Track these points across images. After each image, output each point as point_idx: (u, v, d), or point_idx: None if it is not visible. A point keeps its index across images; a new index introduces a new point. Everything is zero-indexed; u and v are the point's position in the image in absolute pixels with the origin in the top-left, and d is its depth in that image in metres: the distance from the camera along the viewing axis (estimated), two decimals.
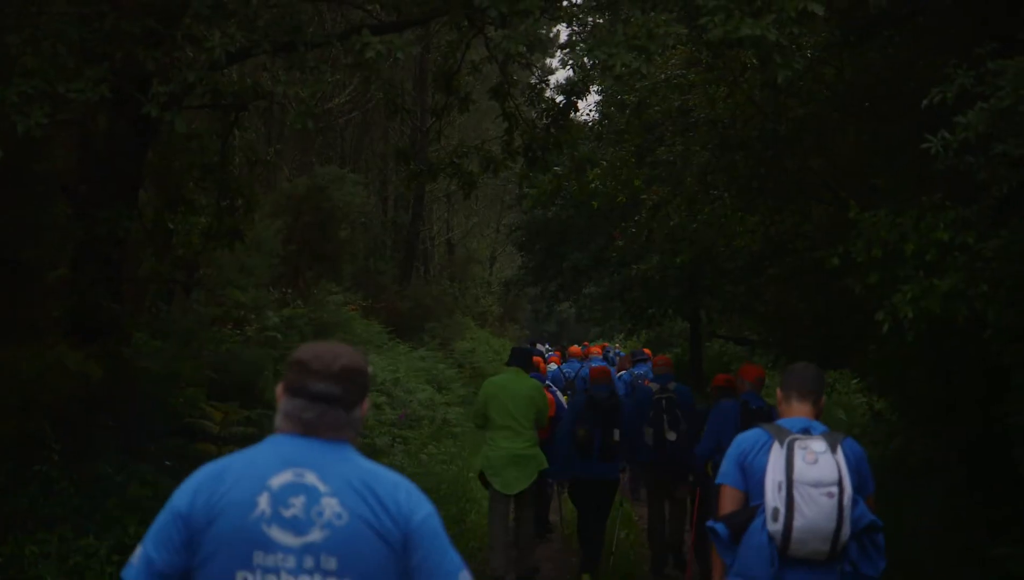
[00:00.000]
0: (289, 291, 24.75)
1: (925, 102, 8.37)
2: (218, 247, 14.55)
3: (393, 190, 43.76)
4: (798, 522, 6.01)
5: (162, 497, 11.30)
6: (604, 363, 19.38)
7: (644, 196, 17.55)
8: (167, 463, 12.64)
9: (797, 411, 6.46)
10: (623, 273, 29.76)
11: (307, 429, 3.85)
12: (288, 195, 28.88)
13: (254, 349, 18.13)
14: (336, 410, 3.85)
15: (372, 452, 16.65)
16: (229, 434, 14.17)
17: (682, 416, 13.20)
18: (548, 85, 16.16)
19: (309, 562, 3.65)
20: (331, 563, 3.66)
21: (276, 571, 3.65)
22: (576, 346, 30.46)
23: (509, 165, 14.69)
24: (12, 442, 10.81)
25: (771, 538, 6.12)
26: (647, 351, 23.97)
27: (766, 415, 10.21)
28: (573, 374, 22.50)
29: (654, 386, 13.79)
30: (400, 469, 17.14)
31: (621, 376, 20.67)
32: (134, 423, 12.47)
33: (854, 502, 6.11)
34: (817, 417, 6.46)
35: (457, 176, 14.50)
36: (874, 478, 6.48)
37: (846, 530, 6.06)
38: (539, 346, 35.56)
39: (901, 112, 10.96)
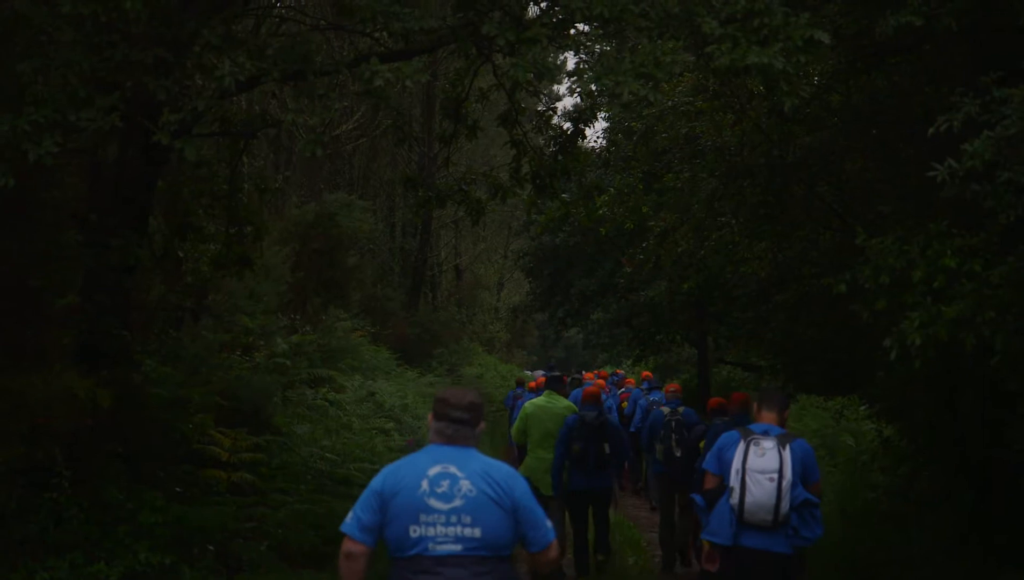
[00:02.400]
0: (297, 317, 24.81)
1: (931, 130, 8.40)
2: (227, 274, 14.58)
3: (401, 216, 43.84)
4: (748, 498, 8.51)
5: (172, 523, 11.40)
6: (592, 385, 19.73)
7: (652, 223, 17.57)
8: (177, 490, 12.66)
9: (765, 419, 8.89)
10: (631, 299, 29.79)
11: (449, 440, 6.15)
12: (296, 222, 28.95)
13: (263, 375, 18.14)
14: (466, 428, 6.18)
15: None
16: (238, 460, 14.18)
17: (688, 436, 14.57)
18: (556, 112, 16.20)
19: (453, 519, 5.96)
20: (467, 519, 5.96)
21: (433, 525, 5.96)
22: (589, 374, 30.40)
23: (517, 192, 14.70)
24: (22, 469, 10.84)
25: (732, 509, 8.63)
26: (647, 374, 25.19)
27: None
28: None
29: (666, 410, 15.77)
30: None
31: (638, 402, 21.86)
32: (143, 450, 12.49)
33: (792, 485, 8.46)
34: (781, 424, 8.84)
35: (465, 203, 14.53)
36: (820, 468, 9.15)
37: (784, 505, 8.46)
38: (528, 371, 35.56)
39: (907, 140, 11.00)
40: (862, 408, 17.15)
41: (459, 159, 31.81)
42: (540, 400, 14.67)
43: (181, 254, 14.27)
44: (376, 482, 6.13)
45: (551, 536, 6.17)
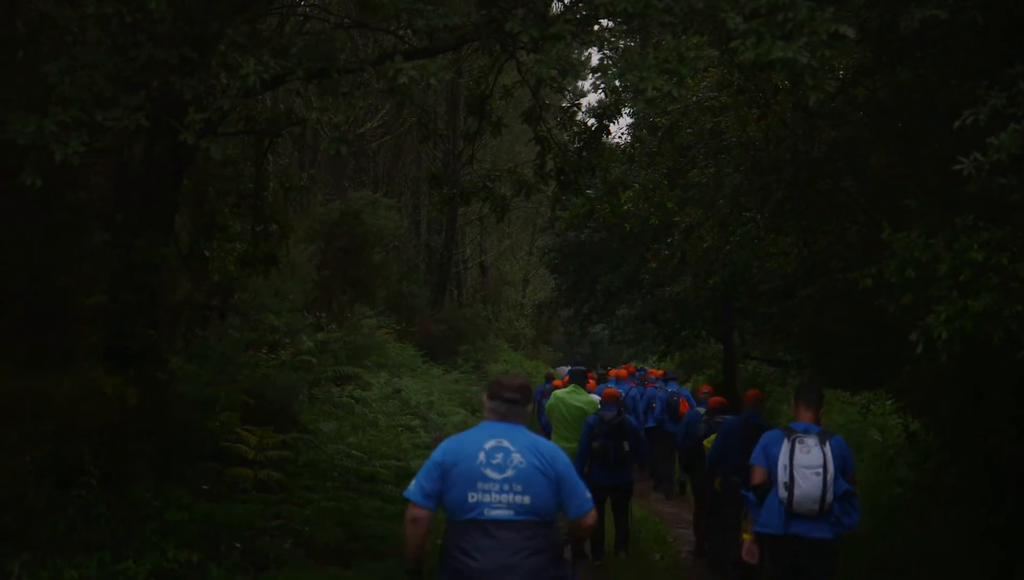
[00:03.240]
0: (323, 315, 24.86)
1: (957, 123, 8.37)
2: (253, 273, 14.62)
3: (426, 214, 43.92)
4: (797, 491, 9.39)
5: (199, 521, 11.46)
6: (615, 386, 20.53)
7: (677, 218, 17.54)
8: (203, 487, 12.70)
9: (803, 417, 9.80)
10: (656, 295, 29.75)
11: (502, 417, 7.06)
12: (322, 220, 29.02)
13: (289, 373, 18.20)
14: (516, 407, 7.10)
15: (407, 474, 16.68)
16: (264, 458, 14.22)
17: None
18: (580, 108, 16.18)
19: (506, 487, 6.77)
20: (518, 488, 6.77)
21: (488, 492, 6.77)
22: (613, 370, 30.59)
23: (541, 188, 14.68)
24: (50, 467, 10.88)
25: (781, 501, 9.48)
26: (658, 372, 28.14)
27: (761, 427, 12.35)
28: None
29: (701, 410, 16.61)
30: None
31: (658, 395, 23.44)
32: (170, 448, 12.53)
33: (834, 478, 9.39)
34: (817, 422, 9.77)
35: (490, 200, 14.52)
36: (854, 463, 9.99)
37: (829, 496, 9.38)
38: (562, 368, 35.67)
39: (933, 134, 10.95)
40: (888, 403, 17.09)
41: (484, 156, 31.75)
42: (562, 392, 16.19)
43: (207, 253, 14.29)
44: (437, 454, 6.98)
45: (589, 505, 7.02)
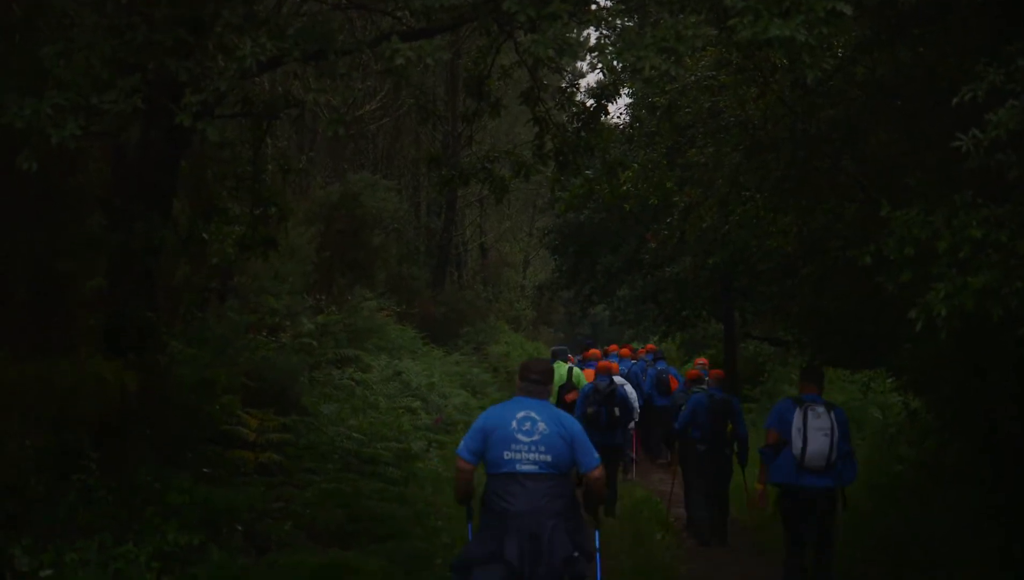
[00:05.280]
0: (323, 298, 24.83)
1: (955, 100, 8.35)
2: (252, 256, 14.60)
3: (426, 195, 43.84)
4: (809, 449, 11.51)
5: (200, 504, 11.51)
6: (608, 359, 21.47)
7: (676, 198, 17.49)
8: (204, 471, 12.71)
9: (810, 390, 11.97)
10: (656, 275, 29.72)
11: (529, 394, 9.05)
12: (321, 202, 29.00)
13: (289, 356, 18.19)
14: (540, 386, 9.12)
15: (408, 456, 16.70)
16: (265, 441, 14.22)
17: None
18: (578, 89, 16.08)
19: (533, 448, 8.75)
20: (542, 448, 8.75)
21: (519, 451, 8.75)
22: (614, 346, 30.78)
23: (540, 169, 14.63)
24: (50, 452, 10.90)
25: (794, 457, 11.58)
26: (651, 347, 29.65)
27: (725, 402, 16.30)
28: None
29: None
30: (435, 474, 17.27)
31: (647, 370, 25.25)
32: (170, 431, 12.54)
33: (839, 440, 11.55)
34: (820, 393, 11.96)
35: (488, 181, 14.47)
36: (850, 433, 12.13)
37: (834, 454, 11.54)
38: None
39: (932, 111, 10.92)
40: (889, 381, 17.09)
41: (483, 137, 31.83)
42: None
43: (206, 236, 14.24)
44: (479, 422, 9.09)
45: (597, 461, 9.04)
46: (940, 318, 8.19)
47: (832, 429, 11.53)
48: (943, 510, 12.97)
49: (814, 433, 11.51)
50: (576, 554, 8.84)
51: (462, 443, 9.10)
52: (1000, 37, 9.05)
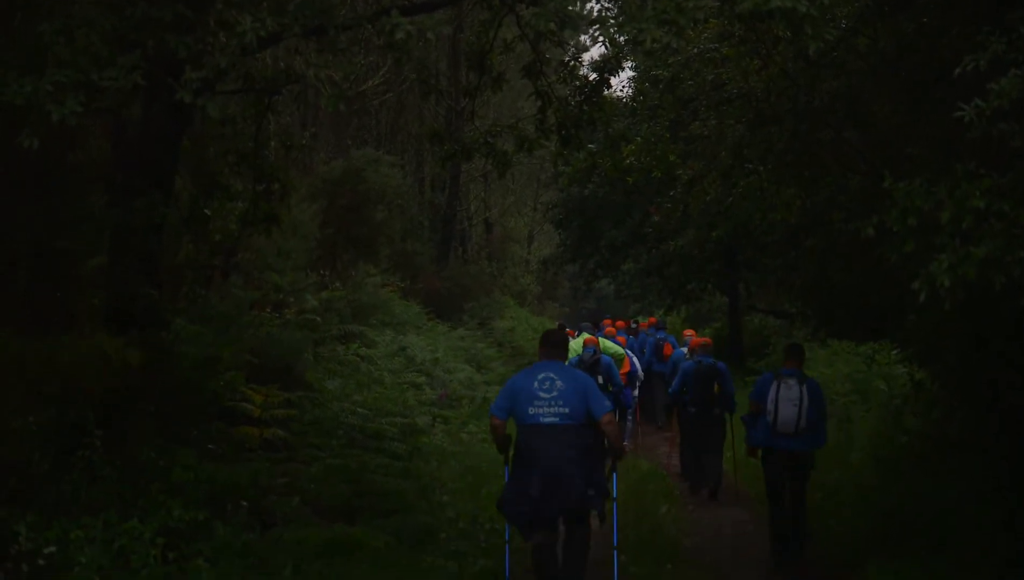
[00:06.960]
0: (327, 273, 24.83)
1: (958, 70, 8.33)
2: (255, 232, 14.59)
3: (429, 171, 43.77)
4: (779, 416, 12.95)
5: (205, 480, 11.54)
6: (595, 334, 21.92)
7: (679, 171, 17.45)
8: (209, 447, 12.71)
9: (790, 366, 13.24)
10: (660, 249, 29.74)
11: (549, 358, 10.62)
12: (324, 178, 28.93)
13: (293, 332, 18.18)
14: (559, 351, 10.85)
15: (413, 431, 16.68)
16: (270, 417, 14.22)
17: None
18: (581, 62, 16.02)
19: (553, 403, 10.23)
20: (560, 402, 10.22)
21: (541, 406, 10.22)
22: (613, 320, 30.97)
23: (543, 143, 14.62)
24: (54, 430, 10.90)
25: (769, 424, 13.06)
26: (652, 320, 29.60)
27: (711, 368, 17.77)
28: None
29: (684, 350, 20.88)
30: (440, 448, 17.29)
31: (648, 341, 26.39)
32: (175, 408, 12.54)
33: (807, 409, 12.87)
34: (800, 368, 13.25)
35: (492, 156, 14.45)
36: (826, 402, 13.82)
37: (803, 421, 12.88)
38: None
39: (935, 82, 10.88)
40: (894, 352, 17.08)
41: (485, 112, 31.70)
42: None
43: (208, 213, 14.25)
44: (508, 384, 10.80)
45: (607, 408, 10.53)
46: (943, 288, 8.16)
47: (801, 399, 12.93)
48: (948, 480, 12.98)
49: (784, 403, 12.96)
50: (591, 492, 10.34)
51: (493, 403, 10.82)
52: (1002, 5, 9.01)
